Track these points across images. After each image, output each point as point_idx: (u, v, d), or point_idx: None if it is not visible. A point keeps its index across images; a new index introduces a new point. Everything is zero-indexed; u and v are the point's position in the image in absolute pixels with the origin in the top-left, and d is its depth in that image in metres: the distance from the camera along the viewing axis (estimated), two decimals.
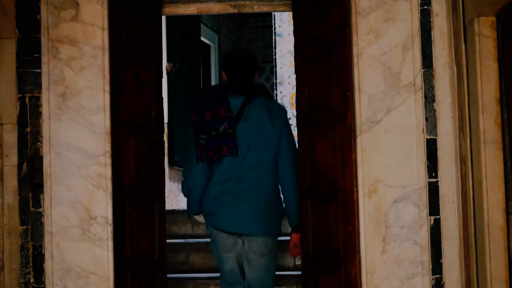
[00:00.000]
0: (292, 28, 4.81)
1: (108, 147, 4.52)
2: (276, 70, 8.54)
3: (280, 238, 4.69)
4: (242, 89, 4.45)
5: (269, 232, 4.40)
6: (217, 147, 4.35)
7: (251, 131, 4.36)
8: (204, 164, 4.39)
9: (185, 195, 4.56)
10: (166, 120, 6.85)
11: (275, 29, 8.67)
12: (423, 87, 4.49)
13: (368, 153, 4.47)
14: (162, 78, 4.70)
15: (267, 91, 4.58)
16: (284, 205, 4.49)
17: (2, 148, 4.54)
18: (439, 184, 4.46)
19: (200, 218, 4.57)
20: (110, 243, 4.49)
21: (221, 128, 4.34)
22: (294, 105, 6.80)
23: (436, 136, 4.47)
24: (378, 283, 4.44)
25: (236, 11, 4.78)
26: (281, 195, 4.47)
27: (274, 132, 4.37)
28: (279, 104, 4.64)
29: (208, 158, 4.37)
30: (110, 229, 4.50)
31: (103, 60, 4.54)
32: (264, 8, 4.80)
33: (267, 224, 4.38)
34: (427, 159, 4.46)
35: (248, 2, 4.76)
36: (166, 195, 4.93)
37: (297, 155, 4.46)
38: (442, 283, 4.44)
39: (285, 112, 4.52)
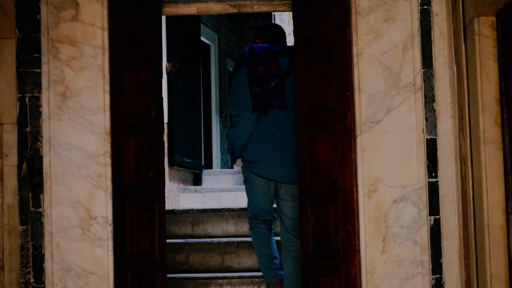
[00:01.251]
0: (292, 28, 4.81)
1: (108, 147, 4.52)
2: None
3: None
4: (289, 51, 4.91)
5: None
6: (267, 101, 4.83)
7: (292, 90, 4.76)
8: (257, 115, 4.84)
9: (230, 141, 5.00)
10: (166, 120, 6.84)
11: None
12: (423, 87, 4.49)
13: (368, 153, 4.47)
14: (162, 78, 4.70)
15: None
16: None
17: (2, 148, 4.54)
18: (439, 184, 4.46)
19: (239, 163, 5.01)
20: (110, 243, 4.49)
21: (272, 84, 4.84)
22: None
23: (436, 136, 4.48)
24: (378, 283, 4.44)
25: (236, 11, 4.78)
26: None
27: None
28: None
29: (260, 111, 4.83)
30: (110, 229, 4.50)
31: (103, 60, 4.54)
32: (264, 8, 4.80)
33: None
34: (427, 159, 4.46)
35: (248, 2, 4.76)
36: (166, 195, 4.94)
37: None
38: (442, 283, 4.44)
39: None
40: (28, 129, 4.54)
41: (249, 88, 4.85)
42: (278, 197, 4.89)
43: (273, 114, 4.82)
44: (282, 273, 4.88)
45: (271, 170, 4.83)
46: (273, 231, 5.04)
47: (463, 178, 4.27)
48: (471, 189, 4.13)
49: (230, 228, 5.71)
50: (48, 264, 4.49)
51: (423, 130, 4.47)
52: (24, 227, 4.51)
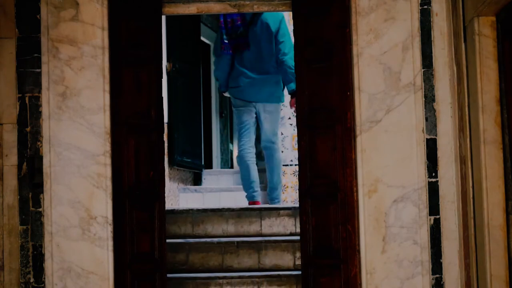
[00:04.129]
0: (292, 28, 4.81)
1: (108, 147, 4.52)
2: None
3: (281, 238, 4.74)
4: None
5: (276, 100, 6.53)
6: (236, 44, 6.46)
7: (258, 34, 6.38)
8: (228, 56, 6.50)
9: (217, 79, 6.95)
10: (166, 120, 6.84)
11: None
12: (423, 87, 4.49)
13: (368, 153, 4.47)
14: (162, 78, 4.70)
15: None
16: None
17: (2, 148, 4.54)
18: (439, 184, 4.46)
19: (227, 94, 6.75)
20: (110, 243, 4.50)
21: (239, 32, 6.45)
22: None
23: (436, 136, 4.48)
24: (378, 283, 4.44)
25: (236, 10, 4.78)
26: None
27: (271, 33, 6.40)
28: (277, 14, 6.43)
29: (230, 53, 6.48)
30: (110, 229, 4.50)
31: (103, 60, 4.54)
32: (264, 8, 4.80)
33: (274, 94, 6.50)
34: (427, 159, 4.46)
35: (248, 2, 4.76)
36: (166, 195, 4.93)
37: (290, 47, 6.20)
38: (442, 282, 4.44)
39: (279, 17, 6.42)
40: (28, 129, 4.54)
41: (220, 37, 6.54)
42: (259, 114, 6.48)
43: (244, 53, 6.43)
44: (256, 194, 6.49)
45: (248, 93, 6.45)
46: (254, 161, 6.54)
47: (463, 178, 4.27)
48: (471, 189, 4.13)
49: (230, 228, 5.71)
50: (48, 264, 4.49)
51: (423, 130, 4.47)
52: (24, 227, 4.51)
